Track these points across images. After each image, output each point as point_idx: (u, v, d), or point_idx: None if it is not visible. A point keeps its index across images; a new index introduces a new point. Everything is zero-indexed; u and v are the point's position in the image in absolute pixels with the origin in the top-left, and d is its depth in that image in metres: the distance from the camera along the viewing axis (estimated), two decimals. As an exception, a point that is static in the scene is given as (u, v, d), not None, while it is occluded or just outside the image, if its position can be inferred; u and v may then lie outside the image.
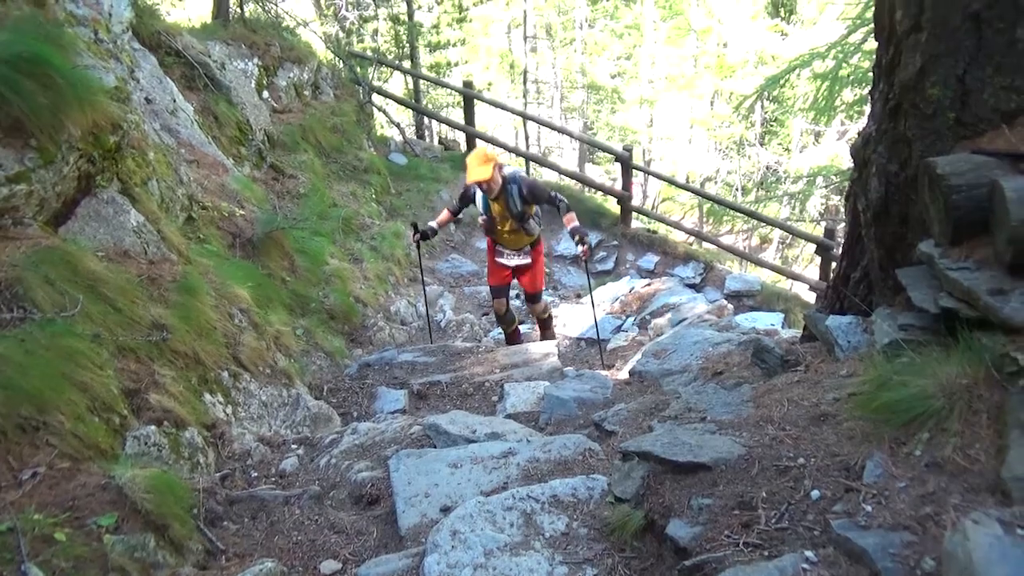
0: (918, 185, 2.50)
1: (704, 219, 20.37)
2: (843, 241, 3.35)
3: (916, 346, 2.26)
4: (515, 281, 6.09)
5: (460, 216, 6.18)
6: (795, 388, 2.67)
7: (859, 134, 3.01)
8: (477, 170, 5.10)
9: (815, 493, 1.98)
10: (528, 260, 5.78)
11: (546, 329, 6.53)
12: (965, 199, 2.20)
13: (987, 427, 1.91)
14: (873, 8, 2.97)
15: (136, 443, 2.91)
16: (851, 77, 8.73)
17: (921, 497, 1.81)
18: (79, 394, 2.76)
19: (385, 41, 14.81)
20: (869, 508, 1.83)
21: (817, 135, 18.19)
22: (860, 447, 2.09)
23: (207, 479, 3.08)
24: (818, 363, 2.88)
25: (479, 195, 5.41)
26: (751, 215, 10.99)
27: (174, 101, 6.48)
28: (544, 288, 6.36)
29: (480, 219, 5.65)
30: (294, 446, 3.86)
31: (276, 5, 12.14)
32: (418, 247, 5.97)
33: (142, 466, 2.63)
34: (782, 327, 5.26)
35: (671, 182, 14.45)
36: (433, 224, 5.76)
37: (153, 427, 3.04)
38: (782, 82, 10.87)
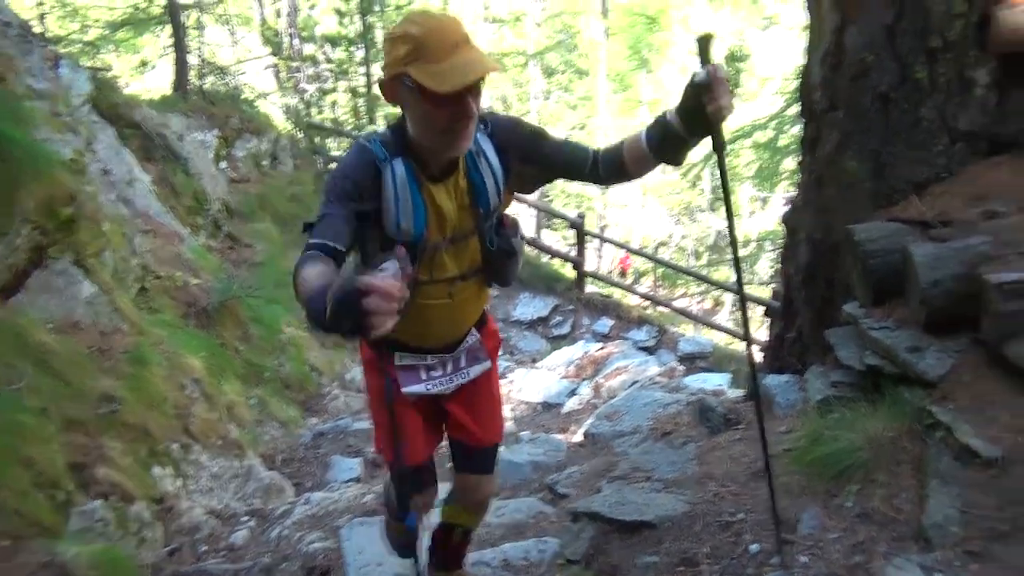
0: (841, 251, 2.68)
1: (658, 283, 20.80)
2: (779, 304, 3.51)
3: (846, 402, 2.38)
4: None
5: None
6: (736, 445, 2.77)
7: (789, 203, 3.20)
8: (475, 54, 1.52)
9: (754, 547, 2.06)
10: (479, 367, 2.08)
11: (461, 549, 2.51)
12: (881, 264, 2.37)
13: (910, 477, 2.03)
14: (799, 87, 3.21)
15: (81, 519, 2.85)
16: (789, 147, 9.23)
17: (852, 546, 1.90)
18: (23, 470, 2.70)
19: (344, 112, 15.06)
20: (805, 559, 1.92)
21: (764, 201, 18.91)
22: (796, 500, 2.18)
23: (154, 554, 3.02)
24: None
25: (397, 176, 1.63)
26: (703, 279, 11.29)
27: (131, 172, 6.51)
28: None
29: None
30: (245, 518, 3.80)
31: (235, 78, 12.37)
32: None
33: (87, 542, 2.58)
34: (728, 387, 5.38)
35: (625, 248, 14.77)
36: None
37: (99, 502, 2.98)
38: (727, 151, 11.38)
